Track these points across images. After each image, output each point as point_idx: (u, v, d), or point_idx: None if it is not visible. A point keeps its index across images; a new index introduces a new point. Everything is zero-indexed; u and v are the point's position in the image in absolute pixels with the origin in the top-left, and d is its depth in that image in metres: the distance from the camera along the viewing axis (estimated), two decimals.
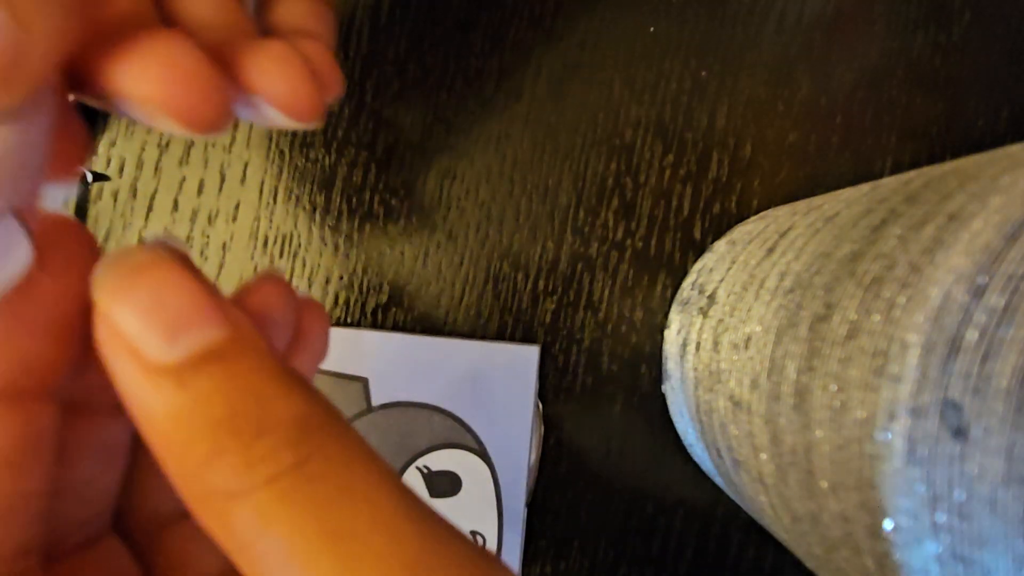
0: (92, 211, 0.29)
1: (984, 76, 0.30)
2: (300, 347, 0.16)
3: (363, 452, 0.11)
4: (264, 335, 0.12)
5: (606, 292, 0.30)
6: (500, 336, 0.30)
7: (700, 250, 0.30)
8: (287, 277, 0.30)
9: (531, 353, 0.29)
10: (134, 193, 0.29)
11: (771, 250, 0.22)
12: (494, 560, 0.11)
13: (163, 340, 0.10)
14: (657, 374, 0.30)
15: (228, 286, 0.29)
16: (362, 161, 0.30)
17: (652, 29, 0.30)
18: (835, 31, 0.30)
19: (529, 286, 0.30)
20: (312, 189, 0.29)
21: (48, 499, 0.12)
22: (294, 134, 0.29)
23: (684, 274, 0.29)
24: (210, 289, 0.11)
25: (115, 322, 0.11)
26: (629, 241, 0.30)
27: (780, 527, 0.20)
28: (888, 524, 0.13)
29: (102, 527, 0.13)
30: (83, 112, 0.16)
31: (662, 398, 0.29)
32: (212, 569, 0.13)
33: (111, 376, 0.11)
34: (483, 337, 0.29)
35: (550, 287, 0.30)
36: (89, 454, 0.13)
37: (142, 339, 0.10)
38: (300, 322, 0.16)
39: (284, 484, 0.10)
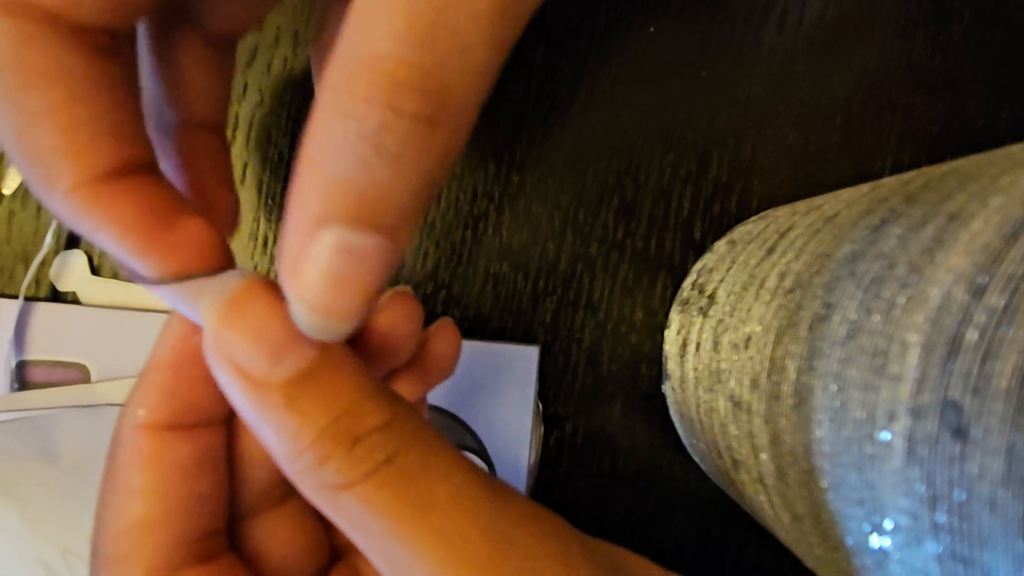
0: None
1: (984, 76, 0.30)
2: (423, 362, 0.19)
3: (438, 444, 0.13)
4: (373, 349, 0.16)
5: (606, 292, 0.30)
6: (500, 336, 0.30)
7: (700, 250, 0.29)
8: None
9: (531, 353, 0.29)
10: None
11: (771, 250, 0.22)
12: (553, 515, 0.14)
13: (268, 363, 0.12)
14: (657, 374, 0.30)
15: None
16: None
17: (652, 29, 0.30)
18: (835, 31, 0.30)
19: (529, 286, 0.30)
20: None
21: (220, 500, 0.15)
22: (293, 136, 0.29)
23: (684, 274, 0.29)
24: None
25: (226, 347, 0.13)
26: (629, 241, 0.30)
27: (780, 527, 0.20)
28: (888, 524, 0.13)
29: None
30: None
31: (662, 398, 0.29)
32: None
33: (222, 389, 0.13)
34: (483, 337, 0.29)
35: (550, 287, 0.30)
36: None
37: (251, 362, 0.12)
38: (429, 344, 0.19)
39: (379, 476, 0.12)
